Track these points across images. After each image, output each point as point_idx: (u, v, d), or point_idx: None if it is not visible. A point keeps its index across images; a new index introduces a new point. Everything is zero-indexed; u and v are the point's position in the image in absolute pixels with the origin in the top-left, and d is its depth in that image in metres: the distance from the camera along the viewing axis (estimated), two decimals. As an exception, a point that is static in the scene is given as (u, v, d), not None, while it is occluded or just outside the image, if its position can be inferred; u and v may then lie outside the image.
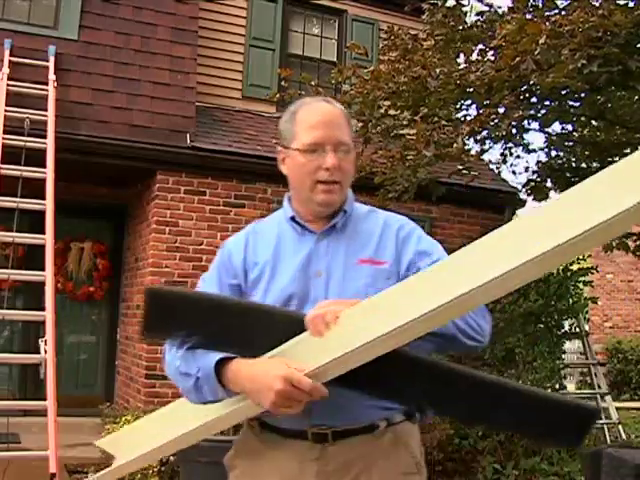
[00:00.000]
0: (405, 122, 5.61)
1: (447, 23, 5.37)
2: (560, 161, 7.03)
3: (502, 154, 6.88)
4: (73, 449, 5.11)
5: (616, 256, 11.97)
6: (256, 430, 1.61)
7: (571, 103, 5.83)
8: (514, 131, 5.82)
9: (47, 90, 5.88)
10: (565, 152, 6.90)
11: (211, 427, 1.52)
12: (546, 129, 6.47)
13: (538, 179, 7.06)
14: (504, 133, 5.42)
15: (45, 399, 4.45)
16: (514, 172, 7.87)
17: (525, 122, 5.83)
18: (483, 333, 1.54)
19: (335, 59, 8.07)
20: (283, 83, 6.43)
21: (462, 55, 5.46)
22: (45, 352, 4.59)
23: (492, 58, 5.15)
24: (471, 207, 7.76)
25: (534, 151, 6.97)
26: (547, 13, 4.90)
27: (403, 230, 1.67)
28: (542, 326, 6.16)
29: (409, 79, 5.16)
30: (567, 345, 8.41)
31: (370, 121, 5.64)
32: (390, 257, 1.62)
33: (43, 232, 5.13)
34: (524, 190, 7.23)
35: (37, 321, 5.05)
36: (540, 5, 5.13)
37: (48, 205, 5.21)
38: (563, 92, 5.30)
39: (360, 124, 5.74)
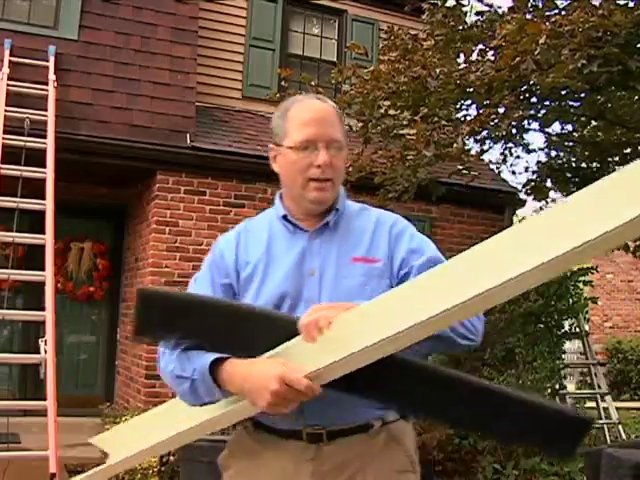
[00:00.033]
0: (405, 122, 5.62)
1: (447, 23, 5.37)
2: (560, 161, 7.04)
3: (502, 154, 6.89)
4: (73, 449, 5.11)
5: (616, 256, 12.00)
6: (250, 430, 1.60)
7: (571, 103, 5.84)
8: (514, 131, 5.82)
9: (47, 90, 5.88)
10: (565, 152, 6.90)
11: (206, 427, 1.52)
12: (546, 129, 6.48)
13: (538, 179, 7.07)
14: (504, 133, 5.42)
15: (45, 399, 4.45)
16: (514, 172, 7.88)
17: (525, 122, 5.84)
18: (477, 332, 1.53)
19: (335, 59, 8.07)
20: (283, 83, 6.43)
21: (462, 55, 5.47)
22: (45, 352, 4.59)
23: (492, 58, 5.16)
24: (471, 207, 7.76)
25: (534, 151, 6.98)
26: (547, 13, 4.90)
27: (396, 227, 1.66)
28: (542, 326, 6.16)
29: (409, 79, 5.16)
30: (567, 345, 8.41)
31: (370, 121, 5.64)
32: (383, 255, 1.61)
33: (43, 232, 5.13)
34: (524, 190, 7.24)
35: (37, 321, 5.05)
36: (540, 5, 5.14)
37: (48, 205, 5.21)
38: (563, 92, 5.30)
39: (360, 124, 5.74)
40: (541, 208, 7.25)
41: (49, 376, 4.51)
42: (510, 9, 5.24)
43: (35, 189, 5.26)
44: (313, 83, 5.96)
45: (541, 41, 4.23)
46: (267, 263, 1.61)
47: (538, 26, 4.30)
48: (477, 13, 5.88)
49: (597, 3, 4.56)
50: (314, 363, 1.33)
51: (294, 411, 1.39)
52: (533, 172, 7.20)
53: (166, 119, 6.52)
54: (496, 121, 5.16)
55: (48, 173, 5.38)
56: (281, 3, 7.88)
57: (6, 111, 5.61)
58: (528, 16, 4.87)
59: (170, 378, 1.56)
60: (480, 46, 5.38)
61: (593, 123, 6.46)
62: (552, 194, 7.18)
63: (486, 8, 5.74)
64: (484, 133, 5.60)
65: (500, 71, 4.73)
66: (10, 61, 5.90)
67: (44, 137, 5.59)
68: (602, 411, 7.00)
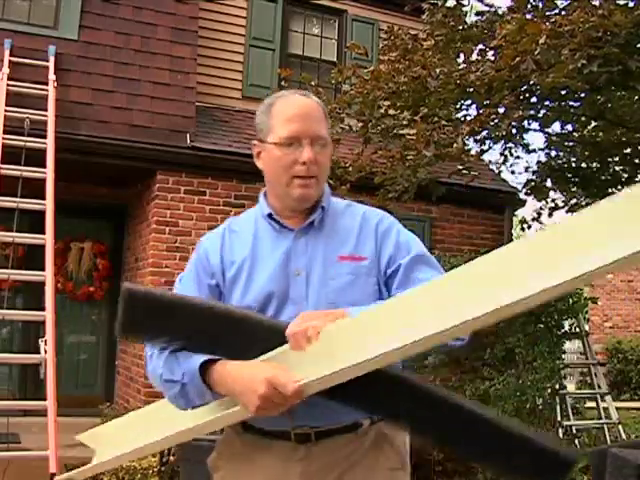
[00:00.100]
0: (405, 122, 5.62)
1: (447, 23, 5.37)
2: (560, 161, 7.04)
3: (502, 154, 6.88)
4: (73, 449, 5.08)
5: (616, 256, 11.96)
6: (239, 431, 1.58)
7: (571, 103, 5.84)
8: (514, 131, 5.82)
9: (47, 90, 5.88)
10: (565, 152, 6.90)
11: (196, 431, 1.49)
12: (546, 129, 6.48)
13: (538, 179, 7.07)
14: (504, 133, 5.43)
15: (45, 399, 4.45)
16: (514, 172, 7.89)
17: (525, 122, 5.84)
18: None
19: (335, 59, 8.07)
20: (283, 83, 6.42)
21: (462, 55, 5.47)
22: (45, 352, 4.59)
23: (492, 58, 5.16)
24: (471, 207, 7.76)
25: (534, 151, 6.98)
26: (547, 13, 4.90)
27: (382, 224, 1.64)
28: (542, 326, 6.16)
29: (409, 79, 5.16)
30: (567, 345, 8.40)
31: (370, 121, 5.64)
32: (370, 252, 1.59)
33: (43, 232, 5.13)
34: (524, 190, 7.24)
35: (37, 321, 5.05)
36: (540, 5, 5.14)
37: (48, 205, 5.21)
38: (563, 92, 5.31)
39: (360, 124, 5.74)
40: (541, 208, 7.25)
41: (49, 376, 4.51)
42: (510, 9, 5.24)
43: (35, 189, 5.26)
44: (313, 83, 5.96)
45: (541, 41, 4.23)
46: (252, 263, 1.59)
47: (538, 26, 4.30)
48: (477, 13, 5.89)
49: (597, 3, 4.56)
50: (301, 373, 1.32)
51: (282, 412, 1.38)
52: (533, 172, 7.21)
53: (166, 119, 6.52)
54: (496, 121, 5.16)
55: (48, 173, 5.38)
56: (281, 3, 7.88)
57: (6, 111, 5.61)
58: (528, 16, 4.87)
59: (159, 382, 1.53)
60: (480, 46, 5.38)
61: (593, 123, 6.46)
62: (552, 194, 7.19)
63: (486, 8, 5.75)
64: (484, 133, 5.60)
65: (500, 71, 4.73)
66: (10, 61, 5.90)
67: (44, 137, 5.59)
68: (602, 411, 7.00)
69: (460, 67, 5.26)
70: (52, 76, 5.97)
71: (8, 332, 7.01)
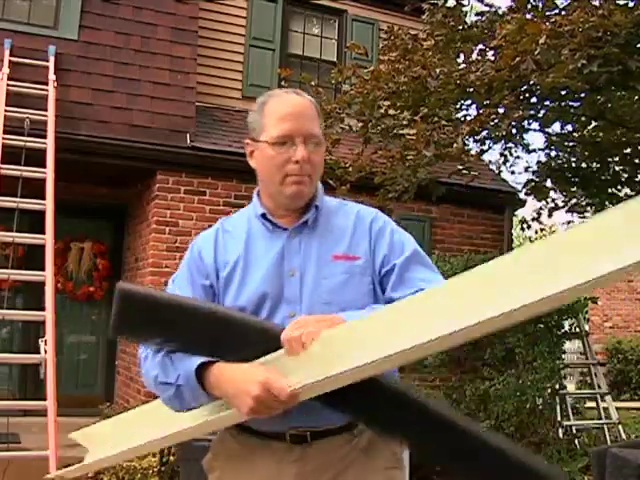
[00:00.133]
0: (405, 122, 5.62)
1: (447, 23, 5.37)
2: (560, 161, 7.03)
3: (502, 154, 6.88)
4: (73, 449, 5.08)
5: (616, 256, 11.95)
6: (234, 432, 1.57)
7: (571, 103, 5.84)
8: (514, 131, 5.82)
9: (47, 90, 5.88)
10: (565, 152, 6.90)
11: (190, 433, 1.49)
12: (546, 129, 6.48)
13: (538, 179, 7.06)
14: (504, 133, 5.42)
15: (45, 399, 4.45)
16: (514, 172, 7.88)
17: (525, 122, 5.84)
18: None
19: (335, 59, 8.07)
20: (283, 83, 6.42)
21: (462, 55, 5.47)
22: (45, 352, 4.59)
23: (492, 58, 5.16)
24: (471, 207, 7.76)
25: (534, 151, 6.98)
26: (547, 13, 4.90)
27: (376, 223, 1.63)
28: (542, 326, 6.16)
29: (409, 79, 5.16)
30: (567, 345, 8.40)
31: (370, 121, 5.64)
32: (364, 252, 1.58)
33: (43, 232, 5.13)
34: (524, 190, 7.23)
35: (37, 321, 5.05)
36: (540, 5, 5.14)
37: (48, 205, 5.21)
38: (563, 92, 5.30)
39: (360, 124, 5.74)
40: (541, 209, 7.25)
41: (49, 376, 4.51)
42: (510, 9, 5.24)
43: (35, 189, 5.26)
44: (313, 83, 5.95)
45: (541, 41, 4.23)
46: (246, 263, 1.57)
47: (538, 26, 4.30)
48: (477, 13, 5.88)
49: (597, 3, 4.56)
50: (296, 378, 1.32)
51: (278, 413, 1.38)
52: (533, 172, 7.20)
53: (166, 119, 6.52)
54: (496, 121, 5.16)
55: (48, 173, 5.38)
56: (281, 3, 7.88)
57: (6, 111, 5.61)
58: (528, 16, 4.87)
59: (154, 384, 1.51)
60: (480, 46, 5.38)
61: (593, 123, 6.45)
62: (552, 194, 7.19)
63: (486, 8, 5.74)
64: (484, 133, 5.60)
65: (500, 71, 4.73)
66: (10, 61, 5.90)
67: (44, 137, 5.59)
68: (602, 411, 7.00)
69: (460, 67, 5.26)
70: (52, 76, 5.97)
71: (8, 332, 7.01)
